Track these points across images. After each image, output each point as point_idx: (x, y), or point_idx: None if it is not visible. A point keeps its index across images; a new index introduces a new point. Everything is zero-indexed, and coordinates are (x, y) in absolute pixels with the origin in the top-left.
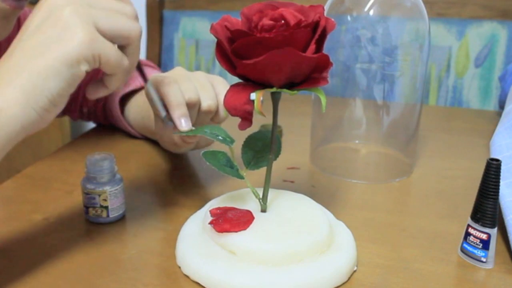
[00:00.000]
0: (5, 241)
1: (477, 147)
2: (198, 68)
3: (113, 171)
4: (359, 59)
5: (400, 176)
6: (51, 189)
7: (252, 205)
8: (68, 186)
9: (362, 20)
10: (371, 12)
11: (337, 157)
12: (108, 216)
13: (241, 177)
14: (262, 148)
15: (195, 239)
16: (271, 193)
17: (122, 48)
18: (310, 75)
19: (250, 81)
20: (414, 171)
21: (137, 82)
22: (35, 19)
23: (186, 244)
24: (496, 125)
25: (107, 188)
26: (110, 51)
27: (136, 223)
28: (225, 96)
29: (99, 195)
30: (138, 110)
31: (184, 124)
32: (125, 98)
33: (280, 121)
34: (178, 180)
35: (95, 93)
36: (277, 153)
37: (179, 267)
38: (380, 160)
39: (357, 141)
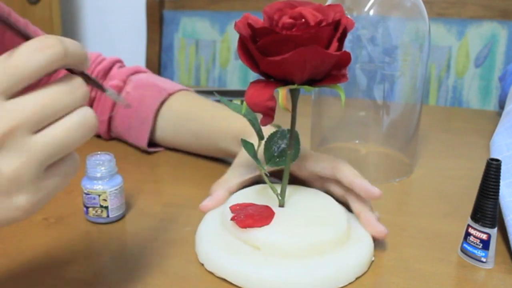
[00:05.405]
0: (5, 241)
1: (477, 147)
2: (198, 68)
3: (113, 171)
4: (359, 59)
5: (400, 176)
6: None
7: (269, 201)
8: (68, 186)
9: (362, 20)
10: (371, 12)
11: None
12: (108, 216)
13: (264, 170)
14: (284, 148)
15: (216, 235)
16: (287, 188)
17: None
18: (329, 72)
19: (272, 78)
20: (414, 171)
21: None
22: None
23: (208, 241)
24: (496, 125)
25: (107, 188)
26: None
27: (136, 223)
28: (247, 92)
29: (99, 195)
30: (171, 123)
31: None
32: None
33: (280, 121)
34: (178, 180)
35: None
36: (295, 154)
37: (202, 264)
38: (380, 160)
39: (357, 141)
